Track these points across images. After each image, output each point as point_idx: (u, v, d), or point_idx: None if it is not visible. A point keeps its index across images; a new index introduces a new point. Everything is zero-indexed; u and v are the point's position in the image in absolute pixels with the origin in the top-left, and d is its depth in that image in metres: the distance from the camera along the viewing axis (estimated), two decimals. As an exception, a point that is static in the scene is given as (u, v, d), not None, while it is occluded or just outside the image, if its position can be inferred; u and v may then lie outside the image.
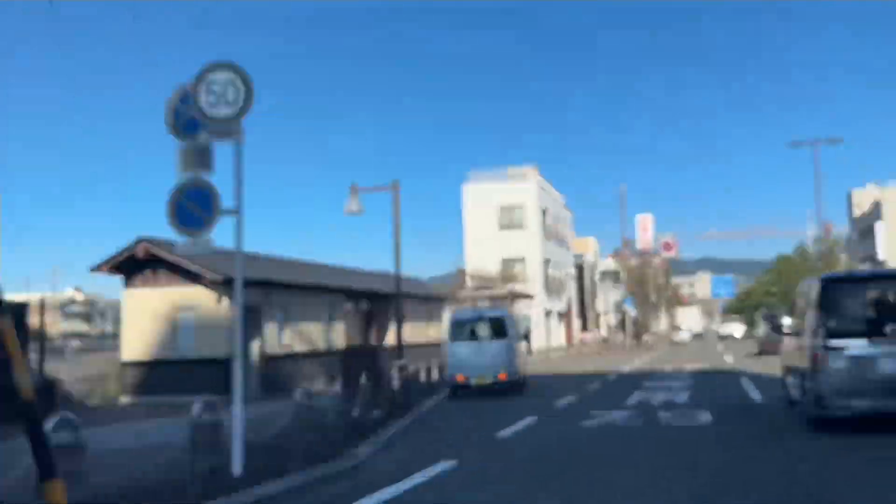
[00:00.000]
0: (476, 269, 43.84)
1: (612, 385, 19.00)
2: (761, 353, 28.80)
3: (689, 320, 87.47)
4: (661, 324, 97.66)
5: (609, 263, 70.59)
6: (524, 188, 48.76)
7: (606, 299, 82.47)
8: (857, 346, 8.63)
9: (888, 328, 8.60)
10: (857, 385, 8.50)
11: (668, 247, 69.56)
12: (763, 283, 79.01)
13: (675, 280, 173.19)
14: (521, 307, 41.72)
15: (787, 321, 12.86)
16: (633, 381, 19.58)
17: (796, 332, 10.61)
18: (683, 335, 66.57)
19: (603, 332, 66.29)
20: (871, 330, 8.71)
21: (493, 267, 44.38)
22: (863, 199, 78.09)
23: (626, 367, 25.64)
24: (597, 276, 71.89)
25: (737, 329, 70.06)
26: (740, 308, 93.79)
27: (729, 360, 27.51)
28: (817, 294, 9.15)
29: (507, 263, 47.21)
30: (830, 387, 8.60)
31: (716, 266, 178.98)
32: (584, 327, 65.22)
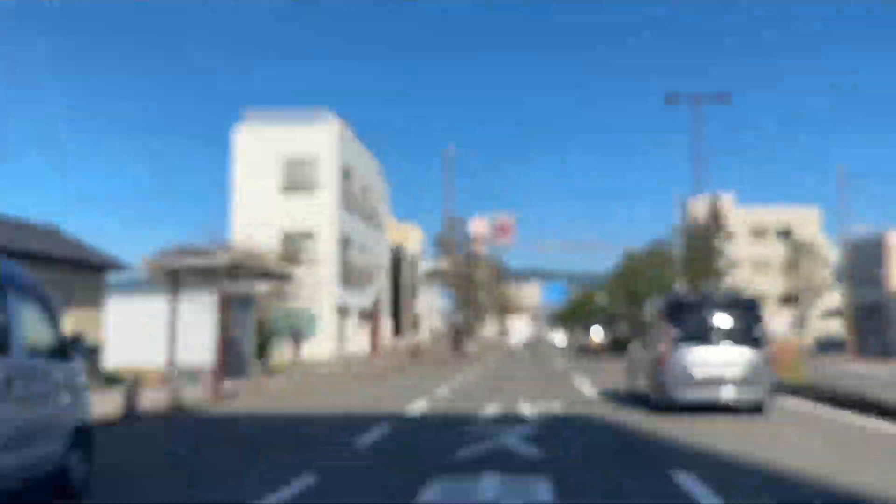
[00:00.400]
0: (245, 244, 30.24)
1: (349, 477, 6.79)
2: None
3: (520, 327, 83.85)
4: (489, 330, 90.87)
5: (432, 260, 59.87)
6: (319, 136, 35.86)
7: (431, 299, 73.53)
8: (689, 350, 11.62)
9: (714, 337, 11.80)
10: (687, 378, 11.48)
11: (503, 230, 59.36)
12: (590, 294, 72.85)
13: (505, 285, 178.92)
14: (305, 299, 29.45)
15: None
16: (419, 447, 8.05)
17: (645, 340, 13.73)
18: (517, 340, 71.53)
19: (425, 336, 56.62)
20: (703, 338, 11.75)
21: (270, 242, 31.14)
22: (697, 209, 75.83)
23: (422, 403, 13.73)
24: (420, 272, 61.63)
25: (559, 338, 75.11)
26: (570, 316, 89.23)
27: (587, 393, 16.42)
28: (665, 310, 12.44)
29: (291, 239, 34.34)
30: (672, 379, 11.52)
31: (546, 276, 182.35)
32: (398, 330, 53.82)
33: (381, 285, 46.34)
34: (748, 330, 11.97)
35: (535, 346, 70.49)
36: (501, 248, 62.70)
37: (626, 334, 39.99)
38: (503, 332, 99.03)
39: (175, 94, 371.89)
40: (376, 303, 44.95)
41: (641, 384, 13.42)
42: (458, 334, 46.95)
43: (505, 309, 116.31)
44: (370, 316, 43.70)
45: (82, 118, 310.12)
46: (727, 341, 11.89)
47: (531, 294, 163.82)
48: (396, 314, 53.85)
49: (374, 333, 44.54)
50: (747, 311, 12.40)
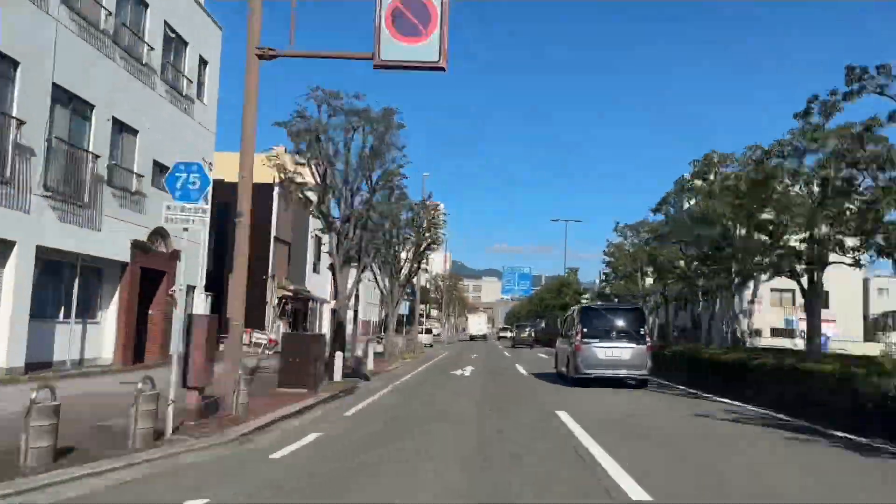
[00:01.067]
0: None
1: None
2: (514, 345, 56.65)
3: (474, 324, 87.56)
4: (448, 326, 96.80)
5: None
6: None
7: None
8: (594, 343, 17.15)
9: (611, 334, 17.31)
10: (593, 362, 17.07)
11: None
12: (536, 299, 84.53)
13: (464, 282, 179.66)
14: None
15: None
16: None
17: (566, 335, 19.40)
18: (472, 334, 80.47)
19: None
20: (600, 335, 17.26)
21: None
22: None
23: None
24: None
25: (502, 333, 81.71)
26: (515, 315, 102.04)
27: (522, 371, 21.69)
28: (578, 316, 18.13)
29: None
30: (583, 362, 17.14)
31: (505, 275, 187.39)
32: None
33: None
34: (635, 330, 17.29)
35: (482, 339, 79.16)
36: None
37: (546, 332, 60.01)
38: (462, 329, 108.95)
39: None
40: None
41: (562, 367, 18.71)
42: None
43: (465, 307, 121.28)
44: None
45: None
46: (620, 337, 17.13)
47: (493, 291, 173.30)
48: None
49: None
50: (635, 316, 17.78)
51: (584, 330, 17.28)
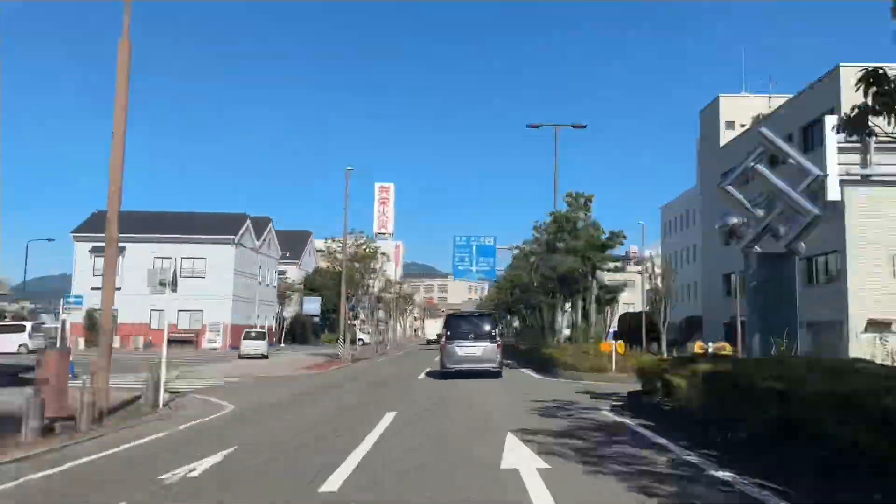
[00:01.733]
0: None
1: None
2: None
3: (430, 328, 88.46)
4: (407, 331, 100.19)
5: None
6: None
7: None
8: (455, 343, 21.75)
9: (468, 335, 21.83)
10: (455, 359, 21.57)
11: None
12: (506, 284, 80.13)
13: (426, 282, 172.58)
14: None
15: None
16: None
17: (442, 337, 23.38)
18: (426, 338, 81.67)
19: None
20: (459, 336, 21.89)
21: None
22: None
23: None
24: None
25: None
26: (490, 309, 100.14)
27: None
28: (445, 321, 23.60)
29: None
30: (447, 359, 21.76)
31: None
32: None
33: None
34: (488, 332, 22.11)
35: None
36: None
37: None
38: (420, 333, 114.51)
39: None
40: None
41: (439, 362, 23.16)
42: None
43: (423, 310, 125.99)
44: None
45: None
46: (476, 338, 21.84)
47: (462, 291, 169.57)
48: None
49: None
50: (488, 320, 22.91)
51: (448, 333, 22.03)
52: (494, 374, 21.60)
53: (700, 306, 48.58)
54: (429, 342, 77.83)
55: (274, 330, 60.16)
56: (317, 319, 69.16)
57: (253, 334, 37.89)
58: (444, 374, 21.86)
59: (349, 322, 38.56)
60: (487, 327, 22.31)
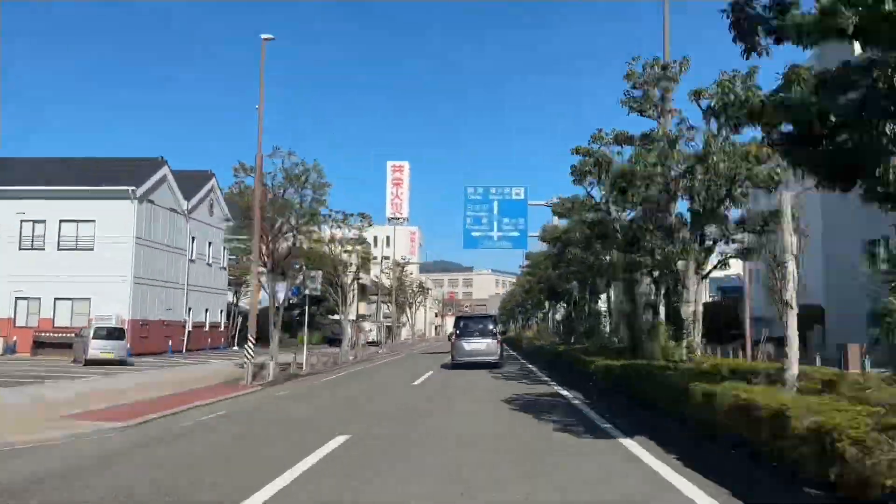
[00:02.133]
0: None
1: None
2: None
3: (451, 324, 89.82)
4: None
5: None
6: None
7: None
8: (463, 339, 26.79)
9: (473, 333, 26.95)
10: (463, 353, 26.45)
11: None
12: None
13: (450, 276, 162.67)
14: None
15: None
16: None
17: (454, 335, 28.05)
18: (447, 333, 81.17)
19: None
20: (468, 334, 26.97)
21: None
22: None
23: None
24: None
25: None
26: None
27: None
28: (455, 321, 29.89)
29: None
30: (456, 353, 26.77)
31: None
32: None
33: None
34: (490, 329, 27.24)
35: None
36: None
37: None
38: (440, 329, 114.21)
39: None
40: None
41: (451, 356, 27.69)
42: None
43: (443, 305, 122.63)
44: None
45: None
46: (480, 335, 26.84)
47: (487, 284, 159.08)
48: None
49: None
50: (490, 321, 27.89)
51: (457, 332, 27.26)
52: (496, 365, 26.24)
53: (814, 292, 25.70)
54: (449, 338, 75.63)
55: (226, 326, 46.61)
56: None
57: (105, 331, 27.17)
58: (455, 364, 26.39)
59: (337, 318, 34.19)
60: (490, 327, 27.55)
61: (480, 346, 26.42)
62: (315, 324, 48.61)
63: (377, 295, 64.38)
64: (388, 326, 60.86)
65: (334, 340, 40.76)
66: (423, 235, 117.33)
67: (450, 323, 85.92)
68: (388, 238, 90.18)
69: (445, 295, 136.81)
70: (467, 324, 27.70)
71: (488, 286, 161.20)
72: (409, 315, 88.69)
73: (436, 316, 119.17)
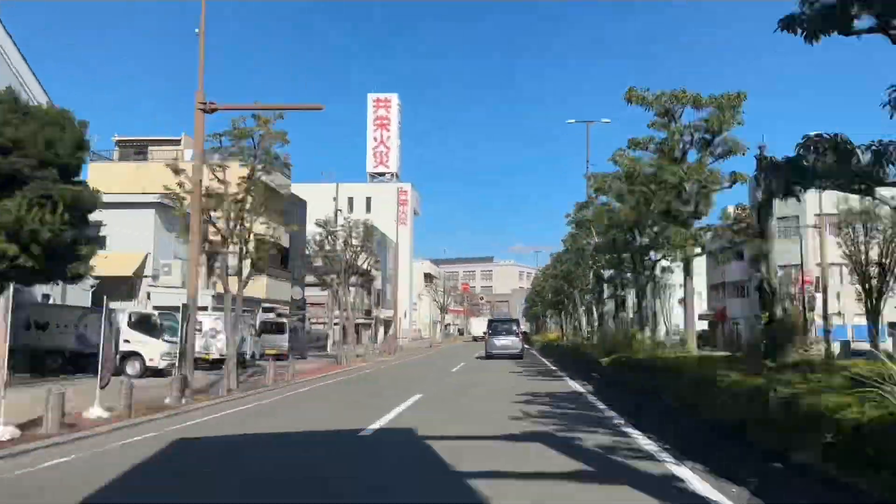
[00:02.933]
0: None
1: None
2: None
3: (476, 326, 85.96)
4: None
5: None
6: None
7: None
8: (494, 338, 36.11)
9: (499, 333, 36.02)
10: (493, 348, 35.49)
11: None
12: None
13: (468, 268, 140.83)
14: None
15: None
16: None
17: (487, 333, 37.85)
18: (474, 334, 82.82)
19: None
20: (497, 333, 36.13)
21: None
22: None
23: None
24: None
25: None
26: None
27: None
28: (487, 324, 40.16)
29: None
30: (489, 348, 35.85)
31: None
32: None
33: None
34: (514, 329, 35.56)
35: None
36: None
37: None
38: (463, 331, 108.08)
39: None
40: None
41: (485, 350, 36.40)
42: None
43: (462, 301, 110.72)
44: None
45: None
46: (506, 333, 35.12)
47: (509, 278, 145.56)
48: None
49: None
50: (513, 323, 36.44)
51: (490, 332, 36.77)
52: (519, 356, 35.05)
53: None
54: (475, 339, 76.38)
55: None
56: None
57: None
58: (489, 355, 35.34)
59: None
60: (514, 328, 36.41)
61: (507, 342, 35.44)
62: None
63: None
64: (297, 318, 38.55)
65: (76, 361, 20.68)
66: (419, 197, 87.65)
67: (476, 324, 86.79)
68: (368, 200, 73.71)
69: (450, 287, 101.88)
70: (497, 325, 37.47)
71: (510, 279, 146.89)
72: (374, 299, 59.56)
73: (443, 311, 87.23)
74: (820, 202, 31.52)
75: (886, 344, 27.17)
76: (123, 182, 31.69)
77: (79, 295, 26.04)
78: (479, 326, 76.71)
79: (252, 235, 18.25)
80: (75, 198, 16.95)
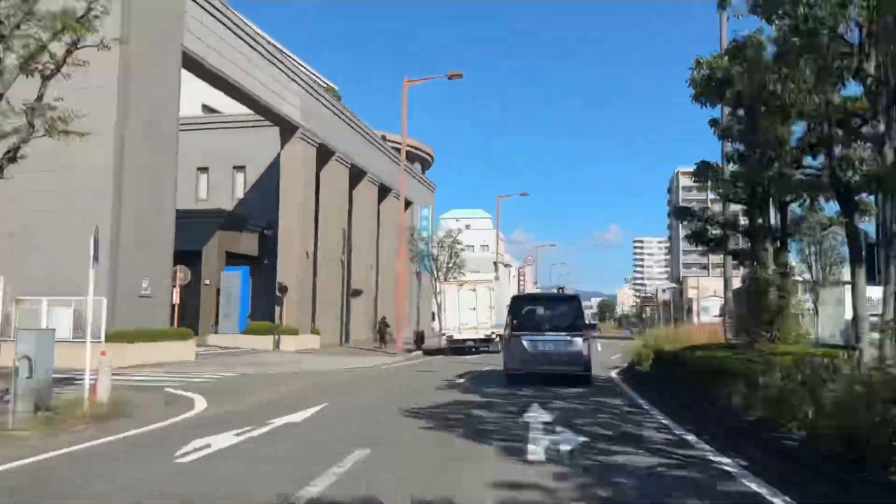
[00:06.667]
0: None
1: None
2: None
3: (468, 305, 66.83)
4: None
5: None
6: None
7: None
8: (526, 335, 15.73)
9: (538, 326, 15.82)
10: (525, 357, 15.58)
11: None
12: None
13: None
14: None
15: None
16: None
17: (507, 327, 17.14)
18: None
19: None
20: (530, 326, 15.83)
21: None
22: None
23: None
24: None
25: None
26: None
27: None
28: (511, 304, 17.19)
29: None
30: (512, 357, 15.97)
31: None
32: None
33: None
34: (571, 319, 17.40)
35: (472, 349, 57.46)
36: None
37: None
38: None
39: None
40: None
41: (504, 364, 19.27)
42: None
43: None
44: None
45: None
46: (551, 329, 15.88)
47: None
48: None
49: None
50: (570, 303, 17.51)
51: (514, 322, 16.70)
52: (583, 380, 21.74)
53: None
54: (453, 344, 32.09)
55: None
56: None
57: None
58: (510, 378, 17.19)
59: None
60: (572, 313, 17.29)
61: (555, 347, 15.49)
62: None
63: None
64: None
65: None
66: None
67: (449, 299, 46.57)
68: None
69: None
70: (532, 309, 16.55)
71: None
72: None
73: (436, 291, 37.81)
74: None
75: None
76: None
77: None
78: (468, 302, 31.11)
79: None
80: None
